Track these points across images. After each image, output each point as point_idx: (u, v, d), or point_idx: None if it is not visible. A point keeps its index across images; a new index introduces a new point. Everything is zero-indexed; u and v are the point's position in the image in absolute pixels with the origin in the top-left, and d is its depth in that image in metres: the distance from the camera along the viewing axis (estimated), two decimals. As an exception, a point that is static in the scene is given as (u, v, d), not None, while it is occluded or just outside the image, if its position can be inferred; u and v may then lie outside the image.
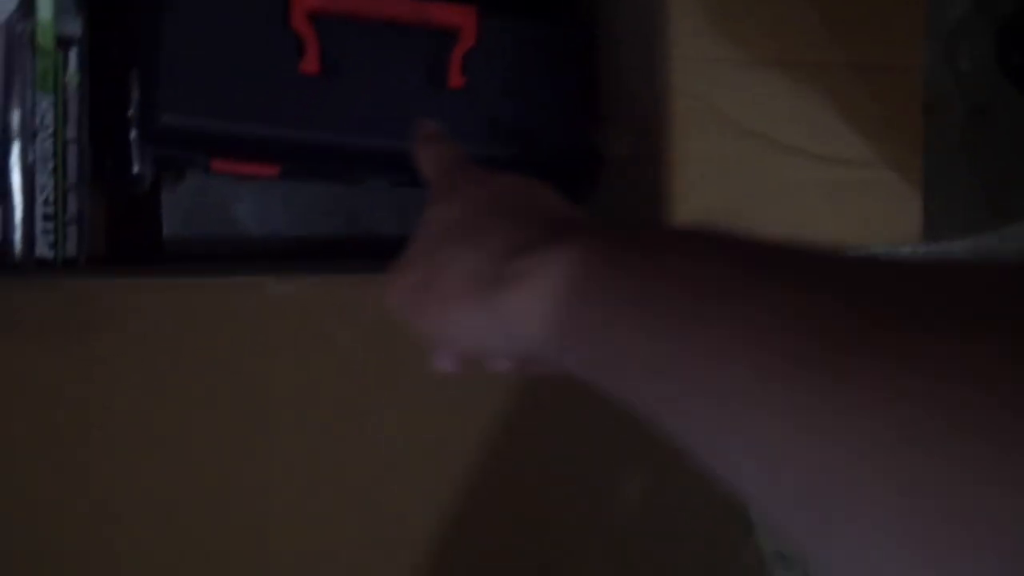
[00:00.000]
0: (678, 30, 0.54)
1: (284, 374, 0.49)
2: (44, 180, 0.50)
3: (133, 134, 0.58)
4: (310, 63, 0.55)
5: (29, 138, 0.49)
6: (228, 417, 0.48)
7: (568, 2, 0.65)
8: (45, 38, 0.49)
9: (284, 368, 0.49)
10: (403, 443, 0.54)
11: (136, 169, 0.59)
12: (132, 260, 0.65)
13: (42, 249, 0.50)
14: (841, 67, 0.59)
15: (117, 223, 0.65)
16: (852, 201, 0.61)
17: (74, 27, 0.50)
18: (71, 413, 0.45)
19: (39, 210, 0.50)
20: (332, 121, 0.56)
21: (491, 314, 0.28)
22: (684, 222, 0.54)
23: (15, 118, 0.49)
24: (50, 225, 0.50)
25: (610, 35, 0.62)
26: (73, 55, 0.50)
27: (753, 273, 0.22)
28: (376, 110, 0.57)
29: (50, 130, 0.50)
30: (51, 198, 0.50)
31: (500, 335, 0.29)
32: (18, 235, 0.49)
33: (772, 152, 0.57)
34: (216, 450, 0.48)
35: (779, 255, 0.22)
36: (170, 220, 0.65)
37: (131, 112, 0.58)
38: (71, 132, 0.51)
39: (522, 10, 0.61)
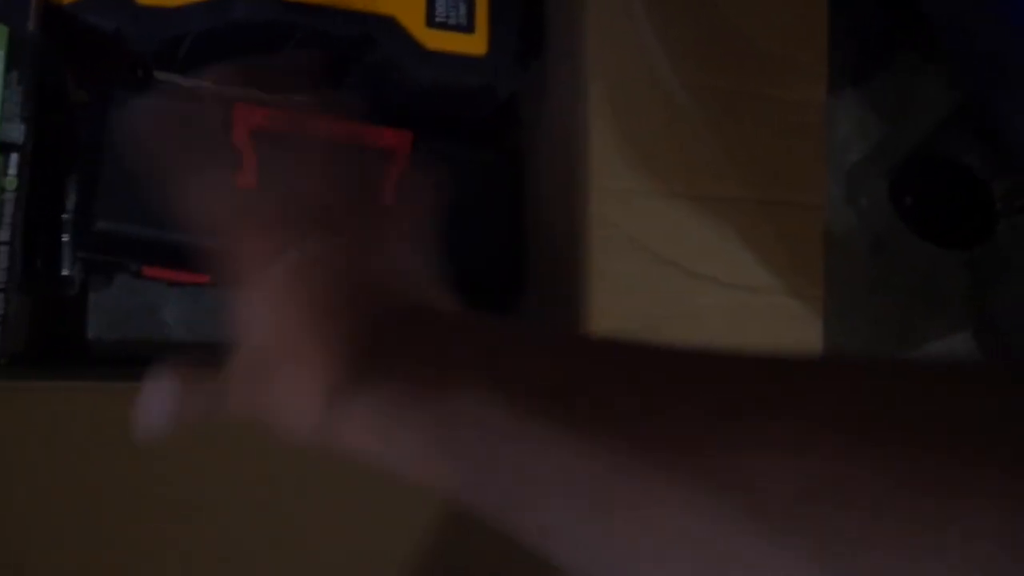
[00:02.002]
0: (597, 162, 0.58)
1: (202, 478, 0.49)
2: (-28, 281, 0.50)
3: (65, 237, 0.59)
4: (247, 177, 0.57)
5: (-39, 239, 0.50)
6: (145, 520, 0.48)
7: (497, 132, 0.69)
8: (-14, 143, 0.50)
9: (203, 473, 0.49)
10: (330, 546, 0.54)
11: (66, 271, 0.60)
12: (54, 361, 0.65)
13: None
14: (747, 202, 0.64)
15: (42, 322, 0.65)
16: (756, 325, 0.64)
17: (17, 134, 0.52)
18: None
19: (-36, 310, 0.50)
20: (265, 233, 0.57)
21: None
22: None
23: (-53, 219, 0.50)
24: (-26, 325, 0.51)
25: (534, 161, 0.66)
26: (13, 160, 0.52)
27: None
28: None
29: (-18, 233, 0.51)
30: (-23, 299, 0.51)
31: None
32: (-60, 334, 0.49)
33: (683, 278, 0.61)
34: (135, 553, 0.48)
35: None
36: (96, 322, 0.66)
37: (65, 216, 0.59)
38: (3, 235, 0.52)
39: (452, 134, 0.64)
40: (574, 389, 0.24)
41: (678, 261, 0.61)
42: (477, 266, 0.65)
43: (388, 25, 0.57)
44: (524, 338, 0.29)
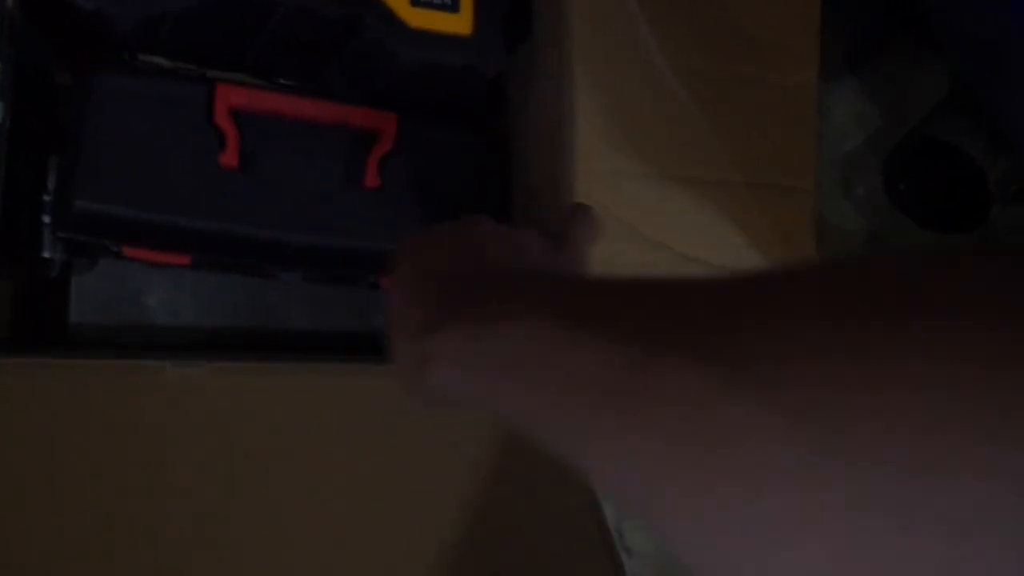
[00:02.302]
0: (584, 143, 0.57)
1: (178, 460, 0.49)
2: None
3: (46, 219, 0.59)
4: (230, 157, 0.57)
5: (-63, 217, 0.49)
6: (123, 501, 0.48)
7: (483, 113, 0.68)
8: (-37, 120, 0.50)
9: (179, 454, 0.49)
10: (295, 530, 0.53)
11: (46, 253, 0.59)
12: (37, 345, 0.64)
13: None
14: (737, 185, 0.63)
15: (23, 306, 0.64)
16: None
17: (-6, 111, 0.51)
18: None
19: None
20: (247, 213, 0.57)
21: (418, 387, 0.35)
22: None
23: (-76, 196, 0.49)
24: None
25: (520, 146, 0.65)
26: (-10, 138, 0.51)
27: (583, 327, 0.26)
28: (292, 205, 0.58)
29: (-41, 210, 0.50)
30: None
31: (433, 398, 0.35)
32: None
33: (672, 260, 0.60)
34: (111, 533, 0.47)
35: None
36: (79, 307, 0.65)
37: (46, 197, 0.58)
38: (-18, 213, 0.51)
39: (438, 118, 0.64)
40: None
41: (667, 243, 0.60)
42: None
43: (372, 3, 0.56)
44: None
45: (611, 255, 0.59)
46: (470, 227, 0.44)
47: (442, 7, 0.58)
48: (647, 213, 0.60)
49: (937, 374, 0.17)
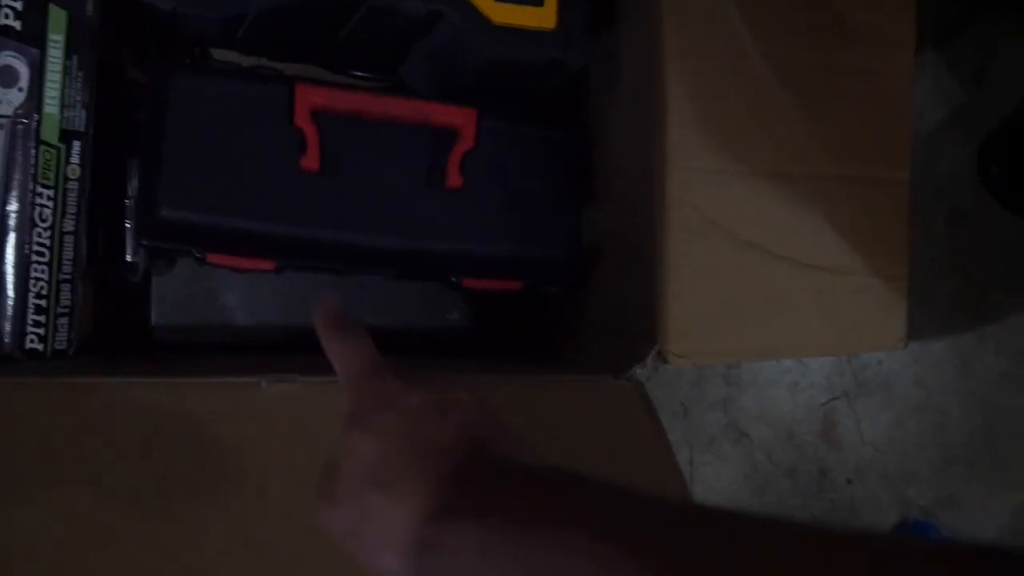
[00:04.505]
0: (676, 141, 0.55)
1: (273, 475, 0.48)
2: (39, 272, 0.49)
3: (129, 224, 0.58)
4: (311, 160, 0.56)
5: (27, 230, 0.49)
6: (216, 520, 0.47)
7: (564, 107, 0.66)
8: (50, 132, 0.49)
9: (274, 469, 0.48)
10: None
11: (129, 257, 0.59)
12: (119, 347, 0.64)
13: (32, 341, 0.50)
14: (831, 180, 0.60)
15: (105, 307, 0.64)
16: (839, 307, 0.61)
17: (79, 121, 0.50)
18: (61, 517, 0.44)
19: (31, 302, 0.49)
20: (330, 218, 0.56)
21: (413, 571, 0.32)
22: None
23: (12, 209, 0.49)
24: (42, 318, 0.50)
25: (607, 143, 0.63)
26: (76, 148, 0.50)
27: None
28: (374, 208, 0.57)
29: (48, 223, 0.49)
30: (44, 291, 0.50)
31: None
32: (9, 327, 0.49)
33: (762, 259, 0.58)
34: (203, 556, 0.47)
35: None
36: (159, 307, 0.65)
37: (128, 201, 0.58)
38: (68, 225, 0.50)
39: (519, 113, 0.62)
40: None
41: (759, 242, 0.58)
42: (545, 251, 0.62)
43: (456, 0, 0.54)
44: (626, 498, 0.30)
45: (701, 255, 0.57)
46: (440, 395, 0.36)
47: (526, 1, 0.56)
48: (739, 211, 0.57)
49: None
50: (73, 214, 0.51)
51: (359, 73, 0.66)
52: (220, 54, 0.65)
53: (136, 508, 0.45)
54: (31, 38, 0.49)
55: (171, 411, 0.46)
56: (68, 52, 0.50)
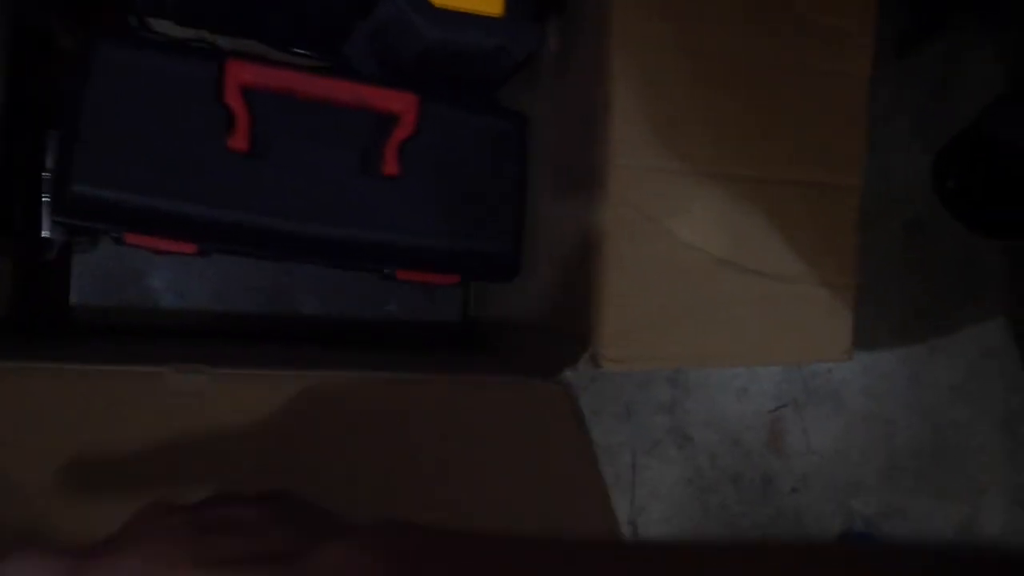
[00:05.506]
0: (618, 138, 0.53)
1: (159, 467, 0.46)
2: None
3: (46, 197, 0.55)
4: (239, 140, 0.53)
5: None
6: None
7: (511, 96, 0.64)
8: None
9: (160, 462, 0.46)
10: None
11: (46, 233, 0.56)
12: (39, 327, 0.61)
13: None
14: (780, 183, 0.59)
15: (24, 285, 0.61)
16: (783, 316, 0.60)
17: (-12, 87, 0.48)
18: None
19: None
20: (256, 201, 0.53)
21: None
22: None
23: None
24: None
25: (547, 135, 0.61)
26: (-16, 115, 0.48)
27: None
28: (304, 192, 0.55)
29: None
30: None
31: None
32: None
33: (704, 263, 0.56)
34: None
35: None
36: (78, 286, 0.62)
37: (46, 174, 0.55)
38: (-26, 196, 0.48)
39: (465, 101, 0.60)
40: None
41: (701, 245, 0.57)
42: (481, 244, 0.60)
43: (394, -23, 0.52)
44: None
45: (640, 257, 0.55)
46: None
47: (472, -16, 0.54)
48: (682, 213, 0.56)
49: None
50: (-21, 185, 0.48)
51: (302, 52, 0.64)
52: (161, 26, 0.62)
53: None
54: (-62, -3, 0.46)
55: (65, 399, 0.43)
56: (-23, 13, 0.47)
